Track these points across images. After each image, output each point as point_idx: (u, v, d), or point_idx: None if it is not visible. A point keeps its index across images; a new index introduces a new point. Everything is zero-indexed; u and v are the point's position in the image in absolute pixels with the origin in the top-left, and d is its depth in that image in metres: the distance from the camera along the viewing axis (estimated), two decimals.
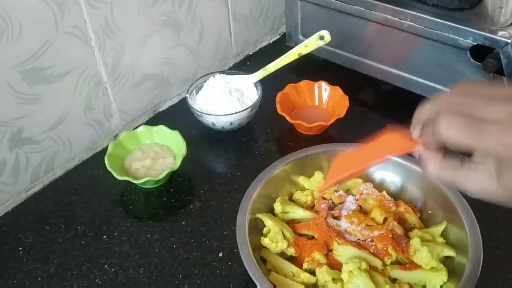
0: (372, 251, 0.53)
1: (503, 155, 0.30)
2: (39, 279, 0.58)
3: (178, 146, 0.70)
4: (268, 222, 0.56)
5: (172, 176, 0.71)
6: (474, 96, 0.32)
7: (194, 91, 0.79)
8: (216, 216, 0.65)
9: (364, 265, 0.50)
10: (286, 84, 0.80)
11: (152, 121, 0.82)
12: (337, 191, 0.61)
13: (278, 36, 1.04)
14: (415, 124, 0.37)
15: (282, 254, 0.55)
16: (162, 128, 0.72)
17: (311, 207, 0.61)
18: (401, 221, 0.58)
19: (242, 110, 0.74)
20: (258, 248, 0.55)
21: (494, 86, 0.33)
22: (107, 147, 0.76)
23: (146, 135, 0.72)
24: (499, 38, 0.64)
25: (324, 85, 0.80)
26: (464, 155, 0.33)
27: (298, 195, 0.62)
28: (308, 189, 0.63)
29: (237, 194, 0.67)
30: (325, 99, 0.81)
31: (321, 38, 0.76)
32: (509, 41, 0.63)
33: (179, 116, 0.82)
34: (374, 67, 0.81)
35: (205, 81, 0.80)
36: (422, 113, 0.36)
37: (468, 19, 0.69)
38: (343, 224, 0.57)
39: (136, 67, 0.76)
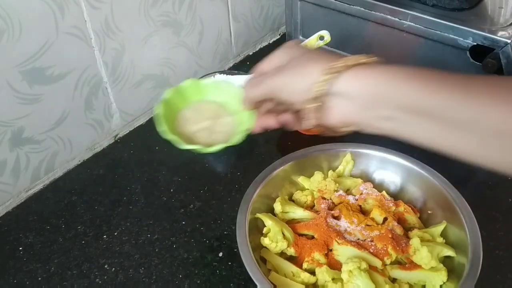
0: (372, 251, 0.53)
1: (275, 96, 0.44)
2: (39, 279, 0.58)
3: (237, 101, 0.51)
4: (268, 222, 0.56)
5: (172, 175, 0.71)
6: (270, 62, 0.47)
7: None
8: (216, 216, 0.65)
9: (364, 265, 0.50)
10: None
11: (153, 121, 0.82)
12: (337, 191, 0.62)
13: (278, 36, 1.04)
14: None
15: (282, 254, 0.55)
16: (215, 81, 0.57)
17: (311, 207, 0.61)
18: (401, 221, 0.58)
19: None
20: (258, 248, 0.55)
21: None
22: (107, 147, 0.77)
23: (193, 92, 0.56)
24: (499, 38, 0.64)
25: None
26: None
27: (298, 195, 0.62)
28: (308, 189, 0.63)
29: (237, 194, 0.67)
30: None
31: (321, 38, 0.76)
32: (509, 41, 0.63)
33: None
34: None
35: None
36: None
37: (468, 19, 0.69)
38: (343, 224, 0.57)
39: (136, 67, 0.76)
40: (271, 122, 0.51)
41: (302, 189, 0.63)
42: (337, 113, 0.40)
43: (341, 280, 0.50)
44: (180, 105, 0.55)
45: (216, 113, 0.56)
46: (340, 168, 0.65)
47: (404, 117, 0.37)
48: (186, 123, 0.54)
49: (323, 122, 0.42)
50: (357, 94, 0.38)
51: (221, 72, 0.81)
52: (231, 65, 0.96)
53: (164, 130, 0.51)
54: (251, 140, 0.77)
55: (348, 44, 0.82)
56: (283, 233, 0.55)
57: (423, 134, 0.37)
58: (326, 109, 0.40)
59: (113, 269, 0.59)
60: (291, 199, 0.63)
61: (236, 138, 0.52)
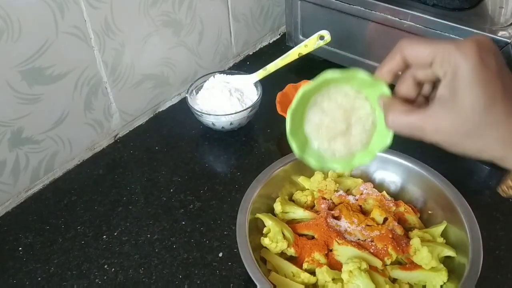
0: (372, 251, 0.53)
1: (455, 69, 0.32)
2: (39, 279, 0.58)
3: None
4: (268, 222, 0.56)
5: (172, 175, 0.71)
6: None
7: (194, 91, 0.79)
8: (216, 216, 0.65)
9: (364, 265, 0.50)
10: (286, 84, 0.79)
11: (152, 121, 0.82)
12: (337, 191, 0.61)
13: (278, 36, 1.04)
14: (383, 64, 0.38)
15: (282, 254, 0.55)
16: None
17: (311, 207, 0.61)
18: (401, 221, 0.58)
19: (242, 110, 0.74)
20: (258, 248, 0.55)
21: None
22: (106, 147, 0.77)
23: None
24: (499, 38, 0.64)
25: None
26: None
27: (298, 195, 0.62)
28: (308, 189, 0.63)
29: (237, 194, 0.67)
30: None
31: (321, 38, 0.76)
32: (509, 41, 0.63)
33: (179, 116, 0.82)
34: (374, 67, 0.80)
35: (205, 81, 0.80)
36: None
37: (468, 19, 0.69)
38: (343, 224, 0.57)
39: (136, 67, 0.76)
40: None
41: (302, 189, 0.63)
42: None
43: (341, 280, 0.50)
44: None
45: (348, 108, 0.41)
46: None
47: None
48: (317, 133, 0.43)
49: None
50: None
51: (221, 72, 0.82)
52: (231, 65, 0.95)
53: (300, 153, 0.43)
54: (251, 140, 0.77)
55: (348, 44, 0.82)
56: (283, 233, 0.55)
57: None
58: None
59: (113, 269, 0.59)
60: (291, 199, 0.63)
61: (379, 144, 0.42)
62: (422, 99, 0.38)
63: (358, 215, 0.57)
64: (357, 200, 0.61)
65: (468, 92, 0.32)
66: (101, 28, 0.67)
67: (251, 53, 0.99)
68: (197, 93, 0.80)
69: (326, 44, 0.77)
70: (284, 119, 0.73)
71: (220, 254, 0.60)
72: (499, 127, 0.32)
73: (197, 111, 0.74)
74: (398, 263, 0.54)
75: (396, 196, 0.62)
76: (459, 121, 0.32)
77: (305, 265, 0.53)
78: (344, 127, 0.41)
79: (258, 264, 0.50)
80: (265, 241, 0.54)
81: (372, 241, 0.54)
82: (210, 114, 0.74)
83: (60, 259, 0.60)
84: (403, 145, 0.61)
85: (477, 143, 0.33)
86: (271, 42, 1.03)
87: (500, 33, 0.64)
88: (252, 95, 0.78)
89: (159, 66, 0.80)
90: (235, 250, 0.55)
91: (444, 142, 0.34)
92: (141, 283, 0.57)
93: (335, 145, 0.43)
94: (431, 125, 0.34)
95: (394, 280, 0.52)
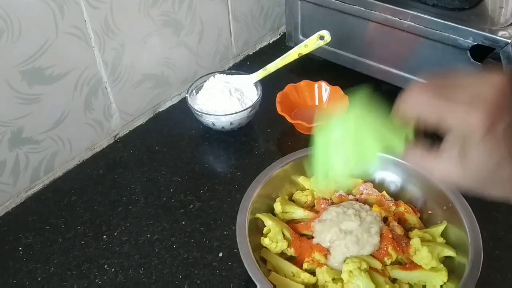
0: None
1: (464, 133, 0.33)
2: (39, 279, 0.58)
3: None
4: (268, 222, 0.56)
5: (172, 175, 0.71)
6: (442, 84, 0.35)
7: (194, 91, 0.79)
8: (216, 216, 0.65)
9: (364, 265, 0.50)
10: (286, 84, 0.80)
11: (152, 121, 0.82)
12: (337, 191, 0.61)
13: (278, 36, 1.04)
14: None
15: (282, 254, 0.55)
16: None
17: (311, 207, 0.61)
18: (401, 221, 0.58)
19: (242, 110, 0.74)
20: (258, 248, 0.55)
21: (459, 76, 0.35)
22: (106, 147, 0.77)
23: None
24: (499, 38, 0.64)
25: (324, 85, 0.80)
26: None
27: (298, 195, 0.62)
28: (308, 189, 0.63)
29: (237, 194, 0.67)
30: (325, 99, 0.81)
31: (321, 38, 0.76)
32: (509, 41, 0.63)
33: (179, 116, 0.82)
34: (374, 67, 0.81)
35: (205, 81, 0.80)
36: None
37: (468, 19, 0.69)
38: None
39: (136, 67, 0.76)
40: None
41: (302, 189, 0.63)
42: None
43: (341, 280, 0.50)
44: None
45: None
46: None
47: None
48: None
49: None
50: None
51: (221, 72, 0.82)
52: (231, 65, 0.95)
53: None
54: (251, 140, 0.77)
55: (348, 44, 0.82)
56: (283, 233, 0.55)
57: None
58: None
59: (113, 269, 0.59)
60: (291, 199, 0.63)
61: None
62: None
63: None
64: (357, 200, 0.61)
65: (475, 159, 0.33)
66: (101, 28, 0.67)
67: (251, 53, 0.99)
68: (197, 93, 0.80)
69: (326, 44, 0.77)
70: (284, 119, 0.73)
71: (220, 254, 0.60)
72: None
73: (197, 111, 0.74)
74: (398, 263, 0.54)
75: (396, 196, 0.62)
76: (468, 177, 0.35)
77: (305, 265, 0.53)
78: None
79: (258, 264, 0.50)
80: (265, 241, 0.54)
81: None
82: (210, 114, 0.74)
83: (60, 259, 0.60)
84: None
85: (494, 192, 0.35)
86: (271, 42, 1.03)
87: (500, 33, 0.64)
88: (252, 95, 0.78)
89: (159, 66, 0.80)
90: (235, 250, 0.55)
91: (459, 185, 0.36)
92: (141, 283, 0.57)
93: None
94: (442, 175, 0.36)
95: (394, 280, 0.52)
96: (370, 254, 0.53)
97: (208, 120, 0.75)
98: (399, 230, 0.56)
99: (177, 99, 0.87)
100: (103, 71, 0.71)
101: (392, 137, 0.41)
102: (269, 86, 0.78)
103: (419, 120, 0.37)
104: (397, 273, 0.52)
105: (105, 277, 0.58)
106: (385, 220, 0.57)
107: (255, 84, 0.79)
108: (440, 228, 0.56)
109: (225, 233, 0.62)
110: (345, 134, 0.43)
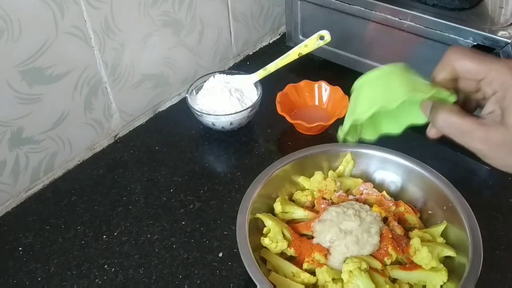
0: None
1: (505, 87, 0.34)
2: (39, 279, 0.58)
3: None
4: (268, 222, 0.56)
5: (172, 175, 0.71)
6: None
7: (194, 91, 0.79)
8: (216, 216, 0.65)
9: (364, 265, 0.50)
10: (286, 84, 0.80)
11: (152, 121, 0.82)
12: (337, 191, 0.61)
13: (278, 36, 1.04)
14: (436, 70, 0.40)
15: (282, 254, 0.55)
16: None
17: (311, 207, 0.61)
18: (401, 221, 0.58)
19: (242, 110, 0.74)
20: (258, 248, 0.55)
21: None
22: (106, 147, 0.77)
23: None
24: (499, 38, 0.64)
25: (324, 85, 0.80)
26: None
27: (298, 195, 0.62)
28: (308, 189, 0.63)
29: (237, 194, 0.67)
30: (325, 99, 0.81)
31: (321, 38, 0.76)
32: (509, 41, 0.63)
33: (179, 116, 0.82)
34: (374, 67, 0.80)
35: (205, 81, 0.80)
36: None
37: (468, 19, 0.69)
38: None
39: (136, 67, 0.76)
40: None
41: (302, 189, 0.63)
42: None
43: (341, 280, 0.50)
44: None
45: None
46: (340, 168, 0.65)
47: None
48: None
49: None
50: None
51: (221, 72, 0.82)
52: (231, 65, 0.95)
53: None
54: (251, 140, 0.77)
55: (348, 44, 0.82)
56: (283, 233, 0.55)
57: None
58: None
59: (113, 269, 0.59)
60: (291, 199, 0.63)
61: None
62: None
63: None
64: (357, 200, 0.61)
65: None
66: (101, 28, 0.67)
67: (251, 53, 0.99)
68: (197, 93, 0.80)
69: (326, 44, 0.77)
70: (284, 119, 0.73)
71: (220, 254, 0.60)
72: None
73: (197, 111, 0.74)
74: (398, 263, 0.54)
75: (396, 196, 0.62)
76: (506, 136, 0.34)
77: (305, 265, 0.53)
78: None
79: (258, 264, 0.50)
80: (265, 241, 0.54)
81: None
82: (210, 114, 0.74)
83: (60, 259, 0.60)
84: (403, 145, 0.61)
85: None
86: (271, 42, 1.03)
87: (500, 33, 0.64)
88: (252, 95, 0.78)
89: (159, 66, 0.80)
90: (235, 250, 0.55)
91: (486, 152, 0.36)
92: (141, 283, 0.57)
93: None
94: (482, 132, 0.36)
95: (394, 280, 0.52)
96: (370, 254, 0.53)
97: (208, 120, 0.75)
98: (399, 230, 0.56)
99: (177, 99, 0.87)
100: (103, 71, 0.71)
101: (430, 92, 0.39)
102: (269, 86, 0.78)
103: (461, 80, 0.37)
104: (397, 273, 0.52)
105: (105, 277, 0.58)
106: (385, 220, 0.57)
107: (255, 84, 0.79)
108: (440, 228, 0.56)
109: (225, 233, 0.62)
110: (380, 75, 0.42)
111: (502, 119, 0.35)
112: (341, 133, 0.46)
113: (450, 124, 0.37)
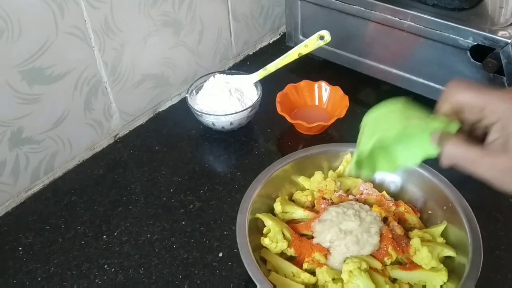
0: None
1: (507, 114, 0.36)
2: (39, 279, 0.58)
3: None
4: (268, 222, 0.56)
5: (172, 175, 0.71)
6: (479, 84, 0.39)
7: (194, 91, 0.79)
8: (216, 216, 0.65)
9: (364, 265, 0.50)
10: (286, 84, 0.80)
11: (152, 121, 0.82)
12: (337, 191, 0.61)
13: (278, 36, 1.04)
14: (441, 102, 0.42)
15: (282, 254, 0.55)
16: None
17: (311, 207, 0.61)
18: (401, 221, 0.58)
19: (242, 110, 0.74)
20: (258, 248, 0.55)
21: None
22: (106, 147, 0.77)
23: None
24: (499, 38, 0.64)
25: (324, 85, 0.80)
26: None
27: (298, 195, 0.62)
28: (308, 189, 0.63)
29: (237, 194, 0.67)
30: (325, 99, 0.81)
31: (321, 38, 0.76)
32: (509, 41, 0.63)
33: (179, 116, 0.82)
34: (374, 67, 0.81)
35: (205, 81, 0.80)
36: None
37: (468, 19, 0.69)
38: None
39: (136, 67, 0.76)
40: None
41: (302, 189, 0.63)
42: None
43: (341, 280, 0.50)
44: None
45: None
46: (340, 168, 0.65)
47: None
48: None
49: None
50: None
51: (221, 72, 0.82)
52: (231, 65, 0.95)
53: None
54: (251, 140, 0.77)
55: (348, 44, 0.82)
56: (283, 233, 0.55)
57: None
58: None
59: (113, 269, 0.59)
60: (291, 199, 0.63)
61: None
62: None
63: None
64: (357, 200, 0.61)
65: None
66: (101, 28, 0.67)
67: (251, 53, 0.99)
68: (197, 93, 0.80)
69: (326, 44, 0.77)
70: (284, 119, 0.73)
71: (220, 254, 0.60)
72: None
73: (197, 111, 0.74)
74: (398, 263, 0.54)
75: (396, 196, 0.62)
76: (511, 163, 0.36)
77: (305, 265, 0.53)
78: None
79: (258, 264, 0.50)
80: (265, 241, 0.54)
81: None
82: (210, 114, 0.74)
83: (60, 259, 0.60)
84: None
85: None
86: (271, 42, 1.03)
87: (500, 33, 0.64)
88: (252, 95, 0.78)
89: (159, 66, 0.80)
90: (235, 250, 0.55)
91: (494, 179, 0.37)
92: (141, 283, 0.57)
93: None
94: (488, 160, 0.37)
95: (394, 280, 0.52)
96: (370, 254, 0.53)
97: (208, 120, 0.75)
98: (399, 230, 0.56)
99: (177, 99, 0.87)
100: (103, 71, 0.71)
101: (436, 126, 0.41)
102: (269, 86, 0.78)
103: (463, 112, 0.39)
104: (397, 273, 0.52)
105: (105, 277, 0.58)
106: (385, 220, 0.57)
107: (255, 84, 0.79)
108: (440, 228, 0.56)
109: (225, 233, 0.62)
110: (382, 112, 0.45)
111: (507, 145, 0.36)
112: (351, 168, 0.48)
113: (456, 155, 0.39)
